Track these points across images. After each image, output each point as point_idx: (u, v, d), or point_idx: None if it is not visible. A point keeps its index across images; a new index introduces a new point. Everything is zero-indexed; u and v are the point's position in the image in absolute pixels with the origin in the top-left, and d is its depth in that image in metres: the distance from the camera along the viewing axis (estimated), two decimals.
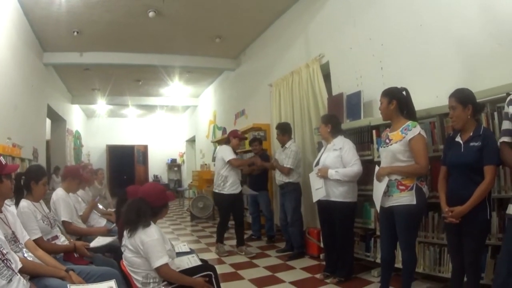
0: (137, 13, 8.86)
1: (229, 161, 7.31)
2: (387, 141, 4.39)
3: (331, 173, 5.24)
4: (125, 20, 9.24)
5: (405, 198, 4.13)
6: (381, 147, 4.54)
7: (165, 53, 12.01)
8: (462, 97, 3.71)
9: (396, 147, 4.24)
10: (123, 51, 11.54)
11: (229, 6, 8.95)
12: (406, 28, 5.72)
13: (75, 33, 9.77)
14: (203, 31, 10.38)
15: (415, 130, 4.16)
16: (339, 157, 5.33)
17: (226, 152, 7.44)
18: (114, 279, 3.21)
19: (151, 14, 8.81)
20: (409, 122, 4.25)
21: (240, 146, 8.15)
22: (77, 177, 5.60)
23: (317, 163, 5.61)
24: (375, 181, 4.49)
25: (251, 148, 8.96)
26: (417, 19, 5.51)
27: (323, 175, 5.32)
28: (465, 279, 3.77)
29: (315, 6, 8.07)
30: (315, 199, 5.60)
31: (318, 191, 5.46)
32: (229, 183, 7.36)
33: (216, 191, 7.55)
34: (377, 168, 4.50)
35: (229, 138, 7.69)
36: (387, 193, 4.29)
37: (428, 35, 5.33)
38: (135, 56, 11.79)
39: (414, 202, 4.09)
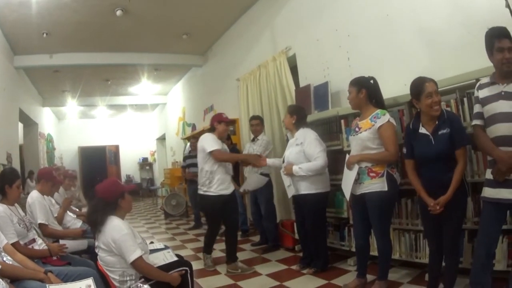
0: (104, 12, 8.71)
1: (211, 153, 5.66)
2: (357, 129, 4.39)
3: (296, 169, 5.14)
4: (93, 20, 9.06)
5: (376, 185, 4.14)
6: (351, 135, 4.53)
7: (133, 51, 11.83)
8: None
9: (366, 135, 4.24)
10: (92, 51, 11.34)
11: (196, 2, 8.87)
12: (372, 18, 5.72)
13: (45, 35, 9.56)
14: (170, 28, 10.28)
15: (384, 118, 4.16)
16: (301, 152, 5.24)
17: (207, 141, 5.77)
18: (92, 277, 3.24)
19: (118, 12, 8.69)
20: (378, 110, 4.26)
21: (227, 131, 6.31)
22: (50, 179, 5.47)
23: (283, 160, 5.57)
24: (345, 169, 4.46)
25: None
26: (384, 9, 5.52)
27: (289, 173, 5.26)
28: (444, 264, 3.78)
29: (281, 0, 8.04)
30: (289, 196, 5.57)
31: (289, 188, 5.43)
32: (216, 181, 5.72)
33: (201, 192, 5.86)
34: (347, 156, 4.47)
35: (213, 124, 6.02)
36: (358, 181, 4.29)
37: (395, 24, 5.35)
38: (103, 55, 11.60)
39: (386, 189, 4.10)
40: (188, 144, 11.35)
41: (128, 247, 3.35)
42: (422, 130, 3.77)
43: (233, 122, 6.76)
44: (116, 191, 3.65)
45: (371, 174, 4.19)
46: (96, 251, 3.55)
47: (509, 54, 3.16)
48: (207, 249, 6.18)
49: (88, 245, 4.68)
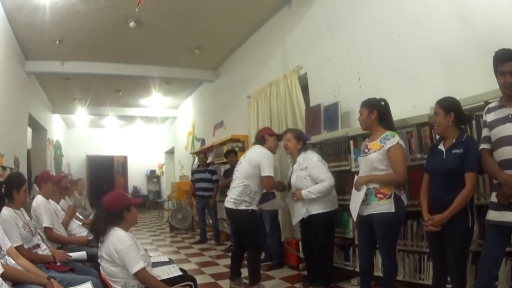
0: (118, 23, 8.75)
1: (266, 178, 5.25)
2: (366, 150, 4.40)
3: (305, 194, 5.16)
4: (106, 29, 9.10)
5: (383, 206, 4.12)
6: (360, 156, 4.54)
7: (145, 63, 11.86)
8: (446, 104, 3.74)
9: (375, 156, 4.24)
10: (104, 61, 11.37)
11: (209, 18, 8.90)
12: (384, 39, 5.73)
13: (57, 42, 9.59)
14: (182, 42, 10.32)
15: (394, 139, 4.17)
16: (307, 176, 5.28)
17: (267, 162, 5.27)
18: (90, 281, 3.40)
19: (131, 24, 8.71)
20: (388, 132, 4.27)
21: (277, 146, 5.80)
22: (48, 179, 5.52)
23: (289, 185, 5.61)
24: (353, 190, 4.46)
25: (227, 160, 8.93)
26: (395, 29, 5.52)
27: (299, 198, 5.26)
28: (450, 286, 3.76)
29: (293, 18, 8.06)
30: (295, 221, 5.55)
31: (296, 214, 5.45)
32: (257, 198, 5.42)
33: (242, 207, 5.29)
34: (355, 177, 4.47)
35: (264, 136, 5.57)
36: (365, 202, 4.27)
37: (406, 45, 5.34)
38: (115, 66, 11.63)
39: (393, 210, 4.09)
40: (197, 158, 11.33)
41: (131, 259, 3.36)
42: (440, 146, 3.80)
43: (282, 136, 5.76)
44: (121, 203, 3.65)
45: (379, 195, 4.18)
46: (99, 261, 3.55)
47: (510, 78, 3.19)
48: (257, 276, 5.45)
49: (92, 254, 4.63)
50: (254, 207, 5.34)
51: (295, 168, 5.47)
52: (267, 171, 5.22)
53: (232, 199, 5.34)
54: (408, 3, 5.39)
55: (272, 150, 5.53)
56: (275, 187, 5.64)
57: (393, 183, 4.15)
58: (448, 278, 3.82)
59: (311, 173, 5.25)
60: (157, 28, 9.27)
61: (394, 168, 4.15)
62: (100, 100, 16.11)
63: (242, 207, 5.27)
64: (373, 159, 4.26)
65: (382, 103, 4.44)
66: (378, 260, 4.61)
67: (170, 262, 4.54)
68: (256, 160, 5.30)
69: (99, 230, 3.52)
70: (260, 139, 5.59)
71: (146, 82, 13.68)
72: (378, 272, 4.70)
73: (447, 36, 4.77)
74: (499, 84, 3.30)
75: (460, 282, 3.66)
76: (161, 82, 13.85)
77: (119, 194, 3.79)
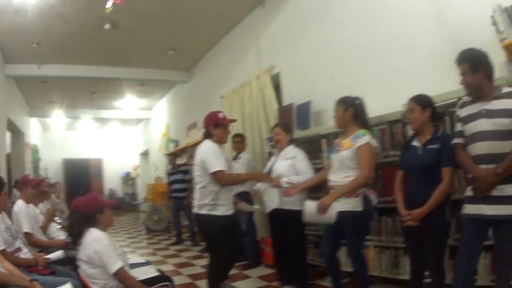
0: (93, 25, 8.59)
1: (214, 175, 4.49)
2: (338, 148, 4.39)
3: (284, 181, 5.10)
4: (82, 32, 8.94)
5: (351, 204, 4.11)
6: (332, 153, 4.53)
7: (120, 65, 11.73)
8: (422, 100, 3.79)
9: (345, 154, 4.23)
10: (80, 64, 11.19)
11: (183, 19, 8.82)
12: (359, 37, 5.74)
13: (35, 45, 9.40)
14: (156, 43, 10.21)
15: (365, 138, 4.16)
16: (292, 166, 5.25)
17: (209, 156, 4.56)
18: (70, 282, 3.49)
19: (106, 26, 8.55)
20: (361, 131, 4.24)
21: (228, 135, 4.99)
22: (26, 183, 5.55)
23: (269, 172, 5.49)
24: (314, 212, 4.30)
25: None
26: (370, 28, 5.54)
27: (278, 184, 5.15)
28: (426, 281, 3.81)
29: (267, 18, 8.04)
30: (268, 209, 5.50)
31: (272, 201, 5.41)
32: (222, 201, 4.61)
33: (204, 212, 4.60)
34: (312, 204, 4.33)
35: (208, 129, 4.79)
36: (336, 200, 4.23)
37: (381, 44, 5.37)
38: (90, 68, 11.46)
39: (360, 209, 4.09)
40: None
41: (109, 258, 3.37)
42: (414, 142, 3.85)
43: (232, 121, 5.14)
44: (94, 206, 3.67)
45: None
46: (78, 263, 3.53)
47: (464, 78, 3.31)
48: (217, 284, 4.79)
49: (71, 256, 4.54)
50: (219, 212, 4.56)
51: (281, 156, 5.44)
52: (215, 166, 4.48)
53: (195, 203, 4.75)
54: (380, 4, 5.43)
55: (222, 141, 4.89)
56: (233, 181, 4.84)
57: (358, 188, 4.12)
58: (426, 273, 3.84)
59: (297, 163, 5.24)
60: (131, 30, 9.15)
61: (360, 168, 4.14)
62: (76, 102, 15.93)
63: (203, 212, 4.60)
64: (344, 156, 4.25)
65: (357, 101, 4.42)
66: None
67: (148, 263, 4.55)
68: (199, 159, 4.64)
69: (75, 233, 3.56)
70: (206, 133, 4.84)
71: (121, 84, 13.55)
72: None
73: (420, 34, 4.82)
74: None
75: (438, 277, 3.68)
76: (135, 83, 13.72)
77: (92, 197, 3.81)
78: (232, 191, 4.92)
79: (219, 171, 4.47)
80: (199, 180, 4.65)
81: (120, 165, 23.68)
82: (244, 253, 7.15)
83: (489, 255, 3.78)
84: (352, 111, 4.35)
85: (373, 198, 4.24)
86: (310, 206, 4.37)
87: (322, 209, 4.17)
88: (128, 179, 24.03)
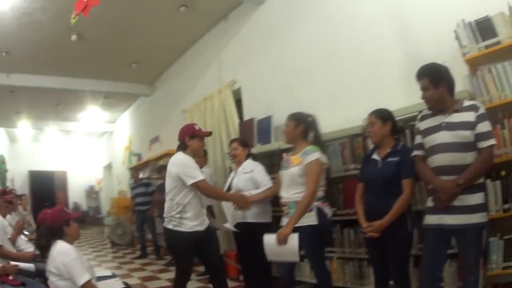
0: (61, 36, 8.48)
1: (195, 184, 4.27)
2: (287, 164, 4.38)
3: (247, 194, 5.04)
4: (51, 42, 8.83)
5: (307, 219, 4.09)
6: (281, 170, 4.50)
7: (85, 77, 11.56)
8: (383, 114, 3.87)
9: (295, 170, 4.21)
10: (47, 74, 11.01)
11: (147, 32, 8.79)
12: (320, 52, 5.82)
13: (4, 53, 9.21)
14: (121, 56, 10.15)
15: (314, 155, 4.14)
16: (250, 179, 5.25)
17: (186, 167, 4.32)
18: None
19: (73, 37, 8.47)
20: (310, 147, 4.23)
21: (203, 148, 4.88)
22: None
23: (229, 188, 5.48)
24: (274, 242, 4.21)
25: (160, 175, 8.84)
26: (332, 43, 5.63)
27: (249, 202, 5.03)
28: None
29: (229, 33, 8.08)
30: (231, 225, 5.41)
31: (235, 215, 5.35)
32: (189, 216, 4.35)
33: (169, 226, 4.39)
34: (271, 238, 4.25)
35: (184, 140, 4.55)
36: (288, 214, 4.24)
37: (342, 59, 5.46)
38: (56, 79, 11.27)
39: (315, 223, 4.08)
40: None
41: (77, 271, 3.39)
42: (375, 156, 3.91)
43: (209, 134, 5.06)
44: (61, 218, 3.68)
45: None
46: (47, 275, 3.55)
47: (426, 93, 3.39)
48: None
49: (40, 269, 4.60)
50: (185, 227, 4.31)
51: (239, 171, 5.43)
52: (194, 177, 4.26)
53: (165, 215, 4.51)
54: (342, 20, 5.54)
55: (197, 154, 4.66)
56: (215, 194, 4.72)
57: (308, 206, 4.09)
58: (390, 282, 3.88)
59: (256, 176, 5.23)
60: (97, 42, 9.08)
61: (307, 184, 4.10)
62: (43, 113, 15.67)
63: (170, 226, 4.38)
64: (293, 173, 4.23)
65: (310, 118, 4.43)
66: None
67: (114, 276, 4.61)
68: (173, 171, 4.38)
69: (43, 246, 3.58)
70: (181, 145, 4.62)
71: (85, 96, 13.31)
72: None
73: (382, 49, 4.94)
74: None
75: (403, 286, 3.74)
76: (99, 96, 13.55)
77: (58, 209, 3.85)
78: (203, 206, 4.60)
79: (202, 180, 4.29)
80: (168, 192, 4.44)
81: (84, 178, 23.32)
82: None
83: (454, 263, 3.88)
84: (302, 128, 4.36)
85: (327, 210, 4.24)
86: (269, 240, 4.29)
87: (282, 240, 4.11)
88: (92, 192, 23.66)
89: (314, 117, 4.45)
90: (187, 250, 4.41)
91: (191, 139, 4.51)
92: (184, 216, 4.30)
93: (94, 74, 11.47)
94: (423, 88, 3.39)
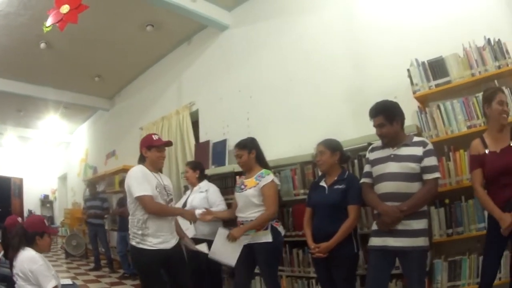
0: (30, 43, 8.31)
1: (138, 199, 3.92)
2: (242, 186, 4.52)
3: (199, 213, 4.82)
4: (19, 47, 8.60)
5: (262, 236, 4.25)
6: (237, 192, 4.64)
7: (48, 86, 11.25)
8: (332, 145, 4.05)
9: (251, 192, 4.37)
10: (11, 79, 10.66)
11: (112, 48, 8.75)
12: (276, 81, 5.98)
13: None
14: (85, 68, 10.00)
15: (268, 177, 4.36)
16: (205, 198, 5.33)
17: (134, 180, 3.99)
18: None
19: (42, 45, 8.34)
20: (263, 170, 4.46)
21: (163, 159, 4.40)
22: None
23: (184, 205, 5.49)
24: (218, 238, 4.49)
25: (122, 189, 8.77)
26: (287, 74, 5.80)
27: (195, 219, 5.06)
28: None
29: (191, 56, 8.11)
30: (206, 248, 5.35)
31: (187, 231, 5.36)
32: (151, 232, 3.96)
33: (133, 243, 4.02)
34: (223, 232, 4.47)
35: (141, 152, 4.26)
36: (244, 233, 4.34)
37: (297, 88, 5.62)
38: (20, 85, 10.90)
39: (270, 240, 4.22)
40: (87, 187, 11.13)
41: (44, 278, 3.50)
42: (322, 183, 4.08)
43: (168, 144, 4.48)
44: (37, 227, 3.81)
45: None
46: (14, 279, 3.61)
47: (381, 129, 3.56)
48: None
49: (5, 274, 4.57)
50: (148, 245, 3.94)
51: (195, 190, 5.52)
52: (137, 191, 3.90)
53: (129, 231, 4.13)
54: (299, 53, 5.71)
55: (157, 165, 4.31)
56: (159, 210, 4.02)
57: (266, 222, 4.28)
58: None
59: (210, 196, 5.34)
60: (64, 52, 8.93)
61: (266, 205, 4.28)
62: (4, 118, 15.22)
63: (133, 243, 4.01)
64: (249, 194, 4.38)
65: (256, 142, 4.64)
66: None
67: (74, 285, 4.67)
68: (126, 184, 4.06)
69: (12, 245, 3.70)
70: (140, 157, 4.30)
71: (46, 104, 12.93)
72: None
73: (336, 81, 5.15)
74: None
75: None
76: (59, 105, 13.25)
77: (39, 219, 4.05)
78: (170, 221, 4.20)
79: (145, 195, 3.88)
80: (128, 207, 4.09)
81: (39, 187, 22.60)
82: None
83: (400, 282, 4.08)
84: (255, 153, 4.55)
85: (281, 229, 4.40)
86: (221, 233, 4.47)
87: (231, 239, 4.30)
88: (46, 201, 22.95)
89: (255, 140, 4.66)
90: (151, 269, 4.01)
91: (148, 150, 4.19)
92: (146, 233, 3.93)
93: (57, 83, 11.19)
94: (379, 125, 3.55)
